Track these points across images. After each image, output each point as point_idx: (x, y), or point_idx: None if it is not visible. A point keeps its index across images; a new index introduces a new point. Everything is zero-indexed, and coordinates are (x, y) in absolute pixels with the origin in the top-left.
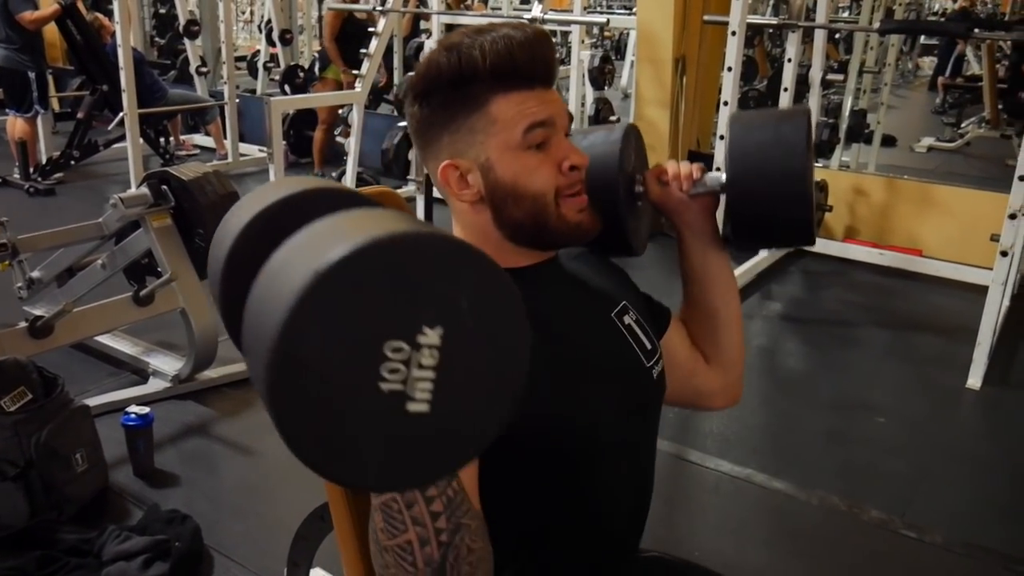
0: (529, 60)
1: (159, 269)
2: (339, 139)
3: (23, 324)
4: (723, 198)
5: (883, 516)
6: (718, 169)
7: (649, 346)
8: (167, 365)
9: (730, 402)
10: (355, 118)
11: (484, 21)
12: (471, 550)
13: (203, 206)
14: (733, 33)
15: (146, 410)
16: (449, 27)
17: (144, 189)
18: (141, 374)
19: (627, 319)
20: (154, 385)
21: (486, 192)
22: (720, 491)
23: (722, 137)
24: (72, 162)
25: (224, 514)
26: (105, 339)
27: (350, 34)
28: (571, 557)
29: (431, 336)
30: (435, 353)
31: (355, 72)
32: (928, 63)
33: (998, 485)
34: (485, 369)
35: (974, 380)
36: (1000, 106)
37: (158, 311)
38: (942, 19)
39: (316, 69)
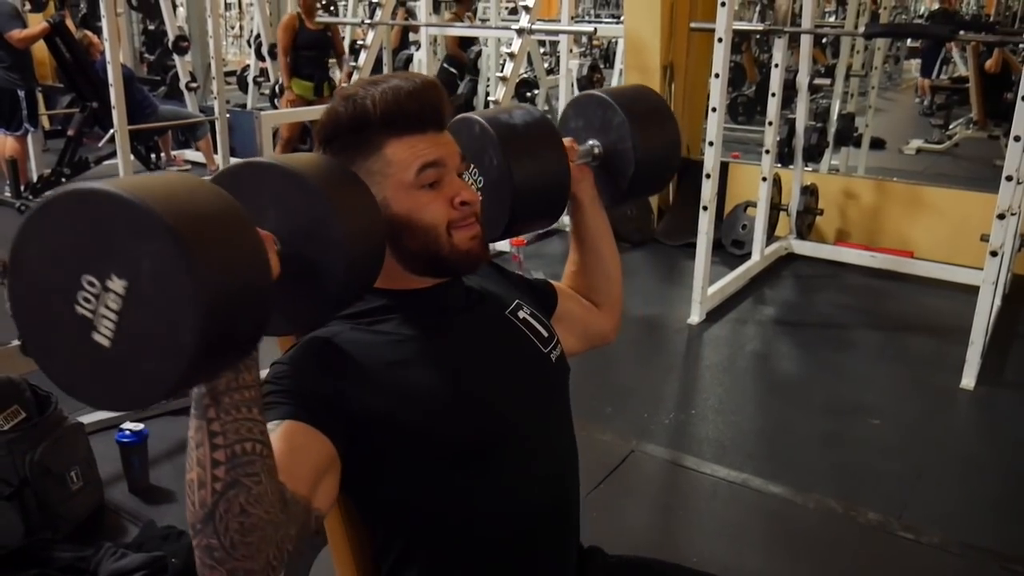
0: (417, 108)
1: None
2: None
3: (15, 343)
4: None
5: (880, 518)
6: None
7: (546, 334)
8: None
9: (616, 329)
10: None
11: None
12: (244, 511)
13: None
14: (719, 40)
15: (141, 426)
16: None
17: None
18: None
19: (521, 314)
20: None
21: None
22: (717, 496)
23: (711, 144)
24: (63, 180)
25: None
26: None
27: (302, 46)
28: (489, 543)
29: (117, 284)
30: (118, 300)
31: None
32: (915, 65)
33: (994, 485)
34: (154, 334)
35: (968, 380)
36: (986, 107)
37: None
38: (926, 22)
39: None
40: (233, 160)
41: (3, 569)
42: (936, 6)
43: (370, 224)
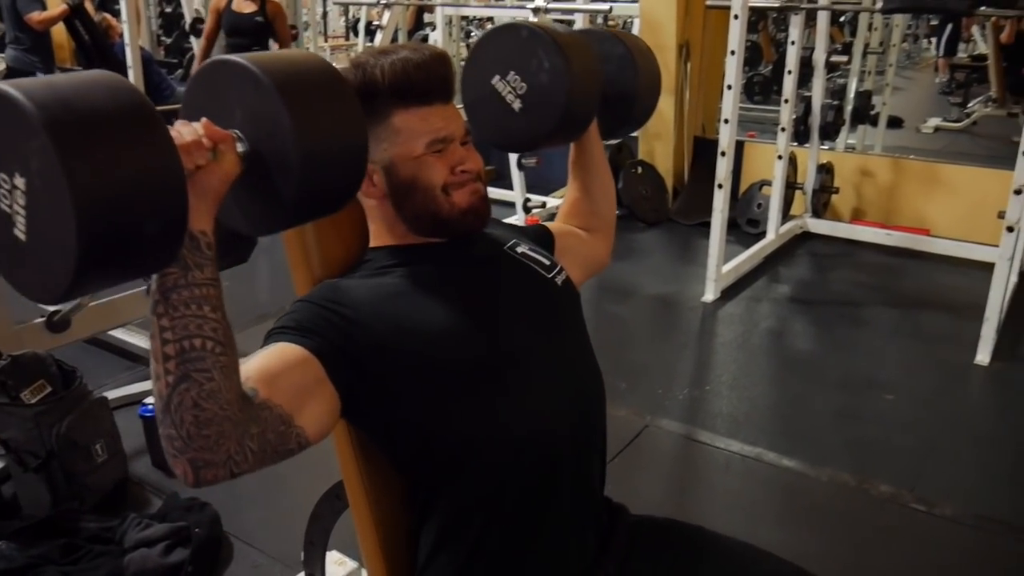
0: (425, 79)
1: None
2: None
3: (40, 319)
4: None
5: (893, 490)
6: None
7: (547, 263)
8: None
9: (610, 251)
10: None
11: (489, 12)
12: (197, 404)
13: None
14: (735, 17)
15: None
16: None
17: None
18: None
19: (520, 249)
20: None
21: (388, 190)
22: (731, 470)
23: (726, 121)
24: None
25: (241, 502)
26: (120, 334)
27: (230, 31)
28: (511, 468)
29: (19, 182)
30: (23, 196)
31: None
32: (934, 43)
33: (1007, 459)
34: (51, 231)
35: (982, 356)
36: (1005, 84)
37: None
38: None
39: None
40: None
41: (32, 538)
42: None
43: (338, 138)
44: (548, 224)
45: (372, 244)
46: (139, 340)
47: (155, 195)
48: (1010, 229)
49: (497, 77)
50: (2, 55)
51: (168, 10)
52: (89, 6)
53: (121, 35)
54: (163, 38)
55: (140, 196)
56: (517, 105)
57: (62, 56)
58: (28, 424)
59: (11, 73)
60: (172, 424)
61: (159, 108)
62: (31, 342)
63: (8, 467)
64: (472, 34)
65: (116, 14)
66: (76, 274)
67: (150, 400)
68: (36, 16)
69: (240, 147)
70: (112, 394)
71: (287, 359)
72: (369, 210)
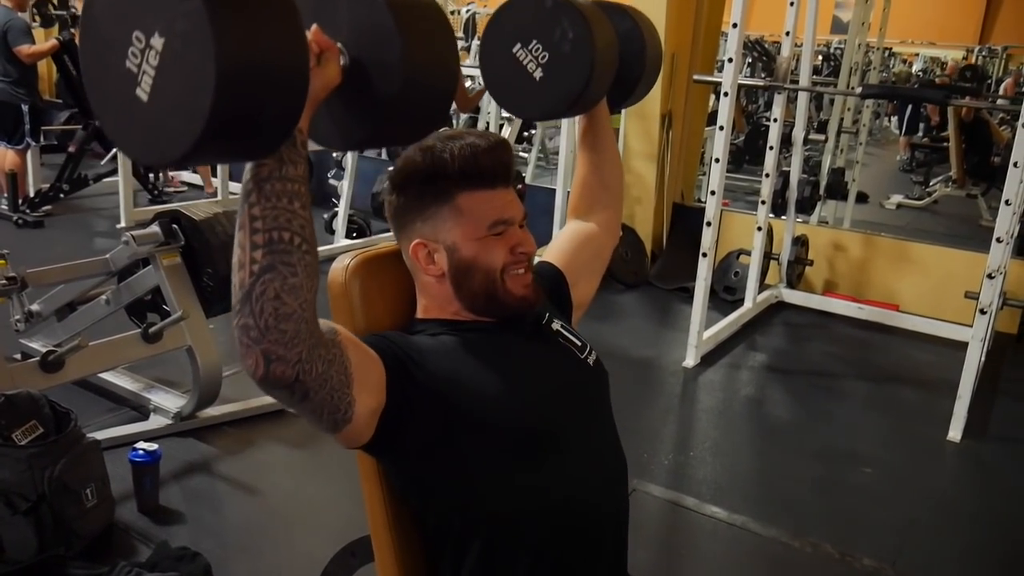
0: (491, 165)
1: (165, 307)
2: (332, 182)
3: (18, 356)
4: None
5: (875, 565)
6: None
7: (579, 343)
8: (168, 402)
9: (620, 223)
10: (348, 162)
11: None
12: (279, 297)
13: (213, 246)
14: (725, 94)
15: (154, 447)
16: None
17: (155, 227)
18: (141, 410)
19: (554, 325)
20: (156, 422)
21: (449, 269)
22: (718, 537)
23: (712, 193)
24: (61, 195)
25: (231, 552)
26: (106, 375)
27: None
28: (550, 538)
29: (157, 42)
30: (157, 57)
31: None
32: (895, 122)
33: (984, 536)
34: (181, 94)
35: (955, 433)
36: (965, 167)
37: (165, 348)
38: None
39: None
40: (232, 184)
41: None
42: (918, 66)
43: (437, 62)
44: (553, 260)
45: (420, 316)
46: (124, 382)
47: (285, 75)
48: (983, 312)
49: (519, 45)
50: None
51: None
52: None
53: None
54: None
55: (273, 73)
56: (539, 74)
57: (41, 88)
58: (21, 466)
59: None
60: (251, 313)
61: None
62: (23, 381)
63: None
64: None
65: None
66: (199, 140)
67: (142, 445)
68: (26, 50)
69: (342, 59)
70: (102, 435)
71: (363, 344)
72: (424, 286)
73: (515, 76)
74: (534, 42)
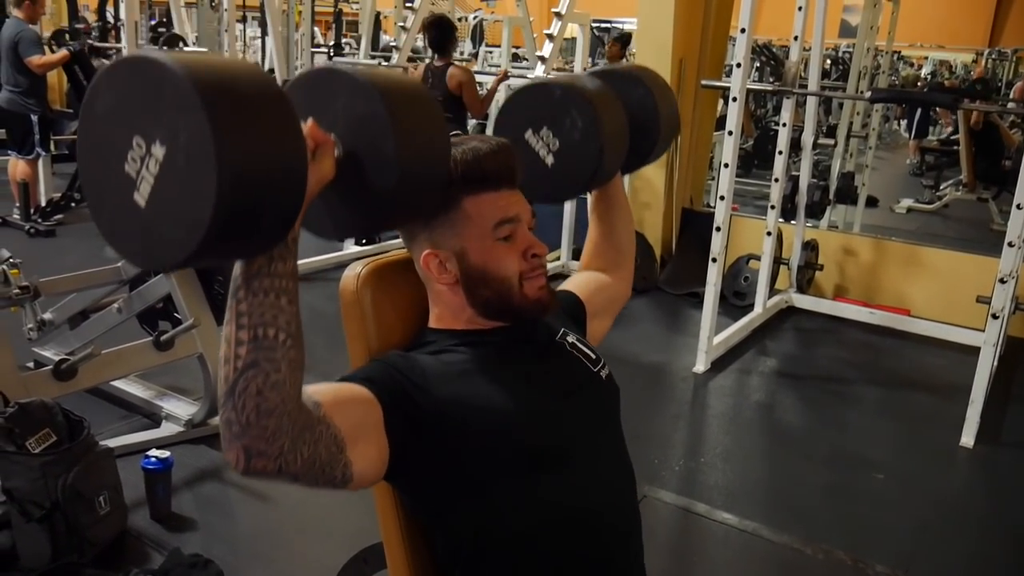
0: (494, 167)
1: (176, 315)
2: None
3: (31, 365)
4: None
5: (888, 571)
6: None
7: (593, 356)
8: (180, 409)
9: (631, 282)
10: None
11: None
12: (260, 392)
13: None
14: (734, 99)
15: (167, 454)
16: None
17: None
18: (153, 418)
19: (569, 339)
20: (167, 429)
21: (461, 276)
22: (730, 544)
23: (722, 198)
24: (72, 204)
25: (243, 559)
26: (118, 383)
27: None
28: (562, 549)
29: (158, 150)
30: (158, 165)
31: None
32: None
33: (996, 542)
34: (180, 203)
35: (967, 439)
36: (975, 170)
37: (177, 356)
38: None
39: None
40: None
41: None
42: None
43: (431, 150)
44: (574, 289)
45: (432, 326)
46: (135, 389)
47: (284, 182)
48: (995, 316)
49: (530, 131)
50: None
51: None
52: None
53: None
54: None
55: (273, 182)
56: (550, 160)
57: (51, 98)
58: (34, 474)
59: (4, 113)
60: (233, 408)
61: None
62: (37, 390)
63: (8, 516)
64: None
65: (111, 59)
66: (197, 250)
67: (154, 452)
68: (37, 60)
69: (337, 151)
70: (115, 443)
71: (354, 394)
72: (437, 295)
73: (527, 161)
74: (545, 129)
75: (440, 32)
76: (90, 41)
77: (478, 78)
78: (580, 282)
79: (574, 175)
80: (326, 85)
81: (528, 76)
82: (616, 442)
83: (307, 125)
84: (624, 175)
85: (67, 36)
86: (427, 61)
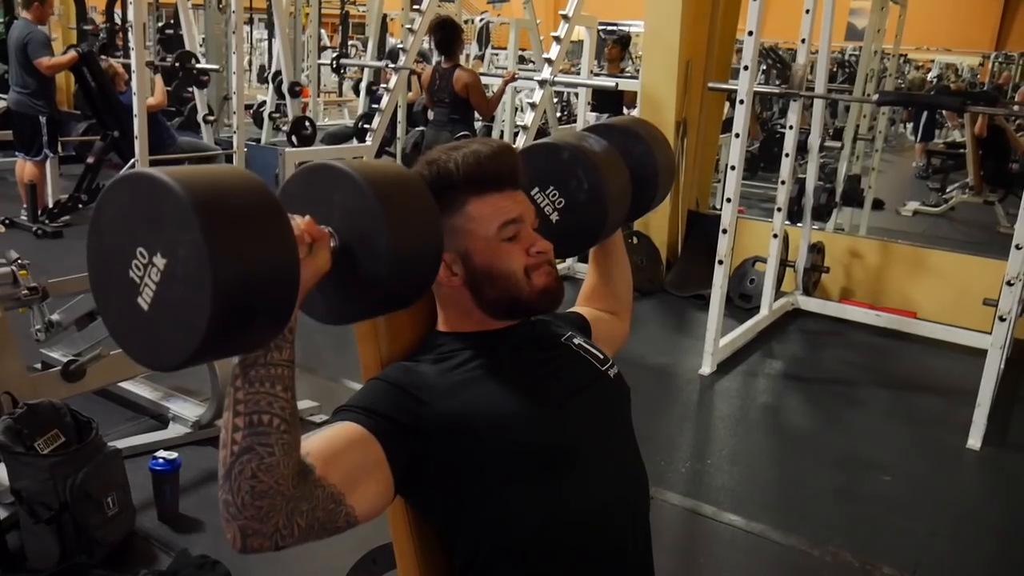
0: (496, 169)
1: None
2: None
3: (38, 366)
4: None
5: (896, 573)
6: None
7: (600, 356)
8: (187, 410)
9: (629, 325)
10: None
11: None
12: (255, 476)
13: None
14: (741, 101)
15: (175, 455)
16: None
17: None
18: (160, 419)
19: (576, 341)
20: (175, 430)
21: (467, 278)
22: (737, 546)
23: (728, 200)
24: (80, 206)
25: (251, 561)
26: (125, 384)
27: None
28: (574, 548)
29: (159, 261)
30: (159, 274)
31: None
32: (910, 128)
33: (1003, 544)
34: (180, 310)
35: (974, 441)
36: (982, 173)
37: None
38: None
39: None
40: None
41: None
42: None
43: (423, 241)
44: (582, 311)
45: (441, 328)
46: (143, 391)
47: (277, 287)
48: (1002, 319)
49: (536, 189)
50: (2, 96)
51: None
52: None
53: (128, 83)
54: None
55: (267, 283)
56: (555, 218)
57: (59, 100)
58: (43, 475)
59: (12, 115)
60: (230, 491)
61: (161, 157)
62: (45, 390)
63: (17, 517)
64: None
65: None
66: (196, 352)
67: (162, 453)
68: (46, 61)
69: (332, 243)
70: (123, 444)
71: (349, 439)
72: (444, 297)
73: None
74: (551, 188)
75: (446, 34)
76: (98, 43)
77: (484, 80)
78: (583, 311)
79: (579, 233)
80: (323, 180)
81: (535, 78)
82: (627, 441)
83: (304, 220)
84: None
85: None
86: (434, 63)
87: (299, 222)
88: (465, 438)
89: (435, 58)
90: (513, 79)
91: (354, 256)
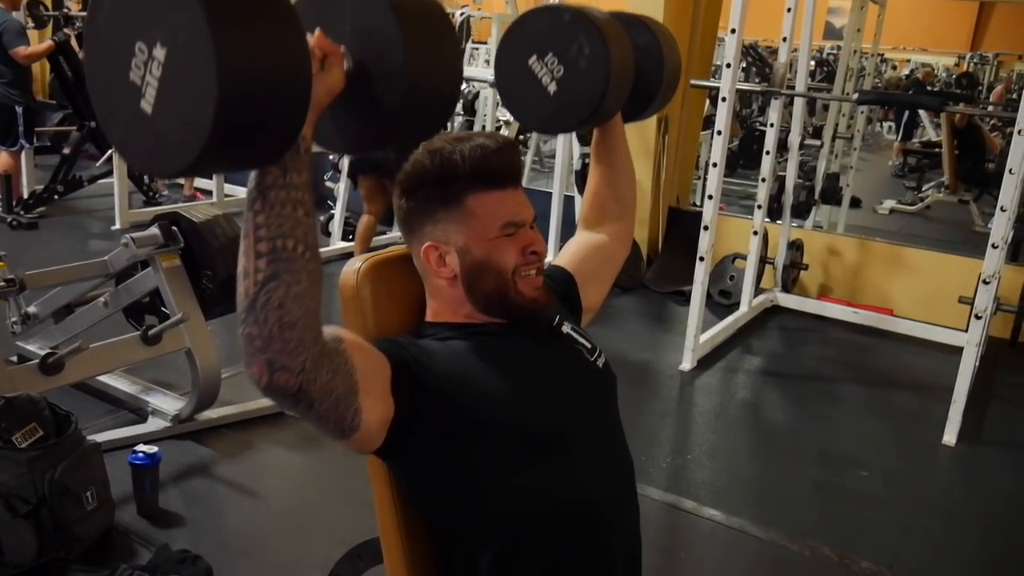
0: (501, 165)
1: (164, 309)
2: (328, 184)
3: (14, 359)
4: None
5: (873, 567)
6: None
7: (589, 345)
8: (167, 404)
9: (632, 231)
10: (344, 164)
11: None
12: (282, 305)
13: (213, 248)
14: (723, 99)
15: (154, 449)
16: None
17: (155, 230)
18: (139, 413)
19: (565, 328)
20: (154, 424)
21: (461, 271)
22: (717, 540)
23: (710, 197)
24: (55, 197)
25: (232, 555)
26: (104, 377)
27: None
28: (559, 537)
29: (160, 52)
30: (160, 68)
31: None
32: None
33: (978, 538)
34: (184, 106)
35: (949, 437)
36: (957, 172)
37: (164, 351)
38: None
39: None
40: (227, 186)
41: None
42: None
43: (441, 66)
44: (564, 264)
45: (430, 319)
46: (122, 384)
47: (288, 82)
48: (978, 317)
49: (534, 57)
50: None
51: None
52: (74, 43)
53: None
54: None
55: (275, 81)
56: (552, 88)
57: (35, 90)
58: (21, 469)
59: None
60: (255, 322)
61: None
62: (23, 384)
63: None
64: None
65: None
66: (203, 151)
67: (142, 447)
68: (23, 51)
69: (346, 63)
70: (102, 437)
71: (370, 348)
72: (435, 289)
73: (529, 88)
74: (550, 55)
75: None
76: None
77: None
78: (572, 250)
79: (577, 104)
80: None
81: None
82: (614, 431)
83: (316, 34)
84: (626, 122)
85: (43, 8)
86: None
87: (310, 36)
88: (459, 406)
89: None
90: None
91: (369, 76)
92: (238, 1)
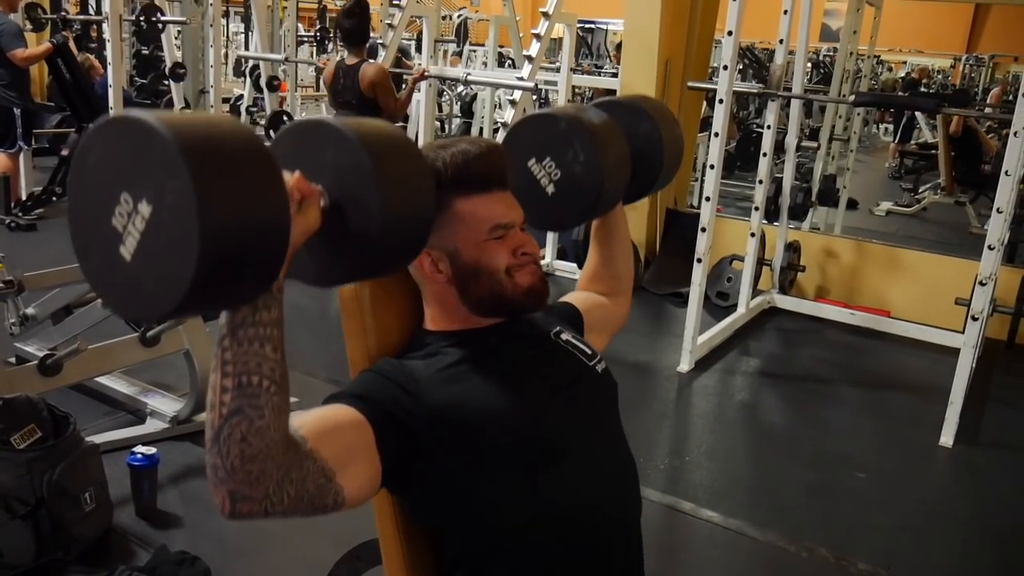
0: (484, 169)
1: None
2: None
3: (12, 360)
4: None
5: (870, 568)
6: None
7: (588, 351)
8: (165, 406)
9: (628, 307)
10: None
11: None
12: (245, 439)
13: None
14: (720, 101)
15: (153, 450)
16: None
17: None
18: (137, 414)
19: (564, 336)
20: (152, 425)
21: (454, 275)
22: (715, 542)
23: (707, 199)
24: (54, 198)
25: (230, 557)
26: (102, 378)
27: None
28: (562, 543)
29: (145, 208)
30: (143, 222)
31: None
32: (884, 130)
33: (975, 540)
34: (164, 260)
35: (946, 438)
36: (953, 174)
37: (163, 352)
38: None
39: None
40: None
41: None
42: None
43: (415, 203)
44: (573, 302)
45: (428, 327)
46: (120, 385)
47: (266, 239)
48: (974, 318)
49: (533, 160)
50: None
51: (145, 52)
52: (72, 46)
53: (102, 74)
54: (136, 79)
55: (255, 239)
56: (551, 189)
57: (33, 91)
58: (20, 470)
59: None
60: (219, 454)
61: None
62: (22, 385)
63: None
64: (444, 94)
65: (91, 52)
66: (179, 305)
67: (140, 449)
68: (21, 53)
69: (323, 201)
70: (100, 439)
71: (341, 419)
72: (430, 294)
73: (529, 188)
74: (548, 159)
75: (360, 21)
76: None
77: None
78: (578, 299)
79: (574, 205)
80: (315, 137)
81: (516, 76)
82: (615, 436)
83: (294, 177)
84: (626, 204)
85: (41, 11)
86: (337, 59)
87: (288, 178)
88: (453, 433)
89: (339, 53)
90: (423, 77)
91: (344, 215)
92: (223, 162)
